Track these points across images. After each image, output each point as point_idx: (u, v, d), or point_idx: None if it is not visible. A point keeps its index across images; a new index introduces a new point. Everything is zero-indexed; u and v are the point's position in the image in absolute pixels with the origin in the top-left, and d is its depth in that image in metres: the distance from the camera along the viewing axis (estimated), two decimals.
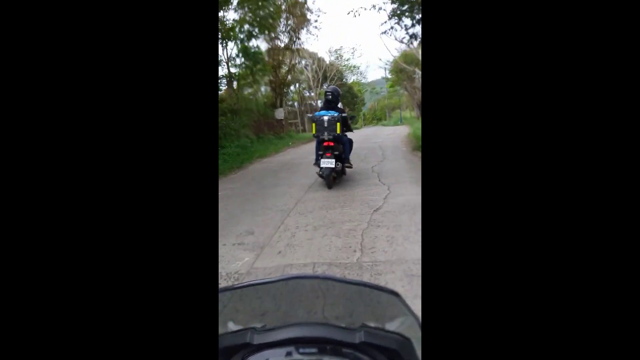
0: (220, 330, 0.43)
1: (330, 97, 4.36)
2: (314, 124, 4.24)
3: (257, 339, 0.40)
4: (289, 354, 0.39)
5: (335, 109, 4.30)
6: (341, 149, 4.29)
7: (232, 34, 9.56)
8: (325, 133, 4.14)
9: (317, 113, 4.32)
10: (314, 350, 0.39)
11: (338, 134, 4.14)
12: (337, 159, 4.18)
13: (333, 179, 4.23)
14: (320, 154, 4.20)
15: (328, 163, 4.10)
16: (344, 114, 4.30)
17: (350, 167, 4.60)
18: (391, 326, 0.50)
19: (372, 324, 0.47)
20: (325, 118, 4.14)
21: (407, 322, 0.48)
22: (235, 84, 10.77)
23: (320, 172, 4.25)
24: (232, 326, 0.48)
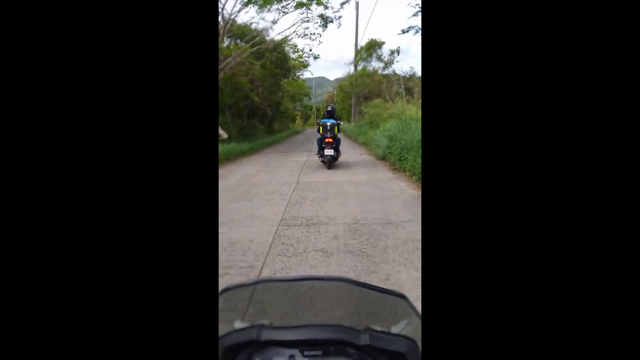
0: (228, 329, 0.43)
1: (330, 109, 6.95)
2: (320, 127, 6.71)
3: (265, 336, 0.39)
4: (292, 356, 0.39)
5: (333, 118, 6.82)
6: (336, 143, 6.69)
7: None
8: (328, 133, 6.57)
9: (322, 120, 6.84)
10: (318, 352, 0.39)
11: (335, 134, 6.61)
12: (335, 149, 6.61)
13: (330, 163, 6.65)
14: (323, 147, 6.62)
15: (330, 152, 6.51)
16: (339, 122, 6.91)
17: (340, 154, 6.95)
18: (396, 328, 0.50)
19: (377, 327, 0.46)
20: (329, 123, 6.63)
21: (413, 324, 0.48)
22: None
23: (323, 159, 6.72)
24: (238, 324, 0.48)
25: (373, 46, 19.12)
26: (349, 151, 9.31)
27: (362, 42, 21.35)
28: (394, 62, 18.35)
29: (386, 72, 18.98)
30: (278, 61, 14.07)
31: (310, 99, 33.66)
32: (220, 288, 0.50)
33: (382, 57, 19.22)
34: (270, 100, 16.40)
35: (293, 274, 2.04)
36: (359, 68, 19.43)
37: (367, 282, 0.60)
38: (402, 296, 0.53)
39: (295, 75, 20.01)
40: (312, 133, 22.93)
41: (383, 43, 19.05)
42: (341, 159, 7.06)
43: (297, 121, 35.27)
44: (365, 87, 18.53)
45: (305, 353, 0.39)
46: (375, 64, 19.22)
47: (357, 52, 19.07)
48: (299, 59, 15.31)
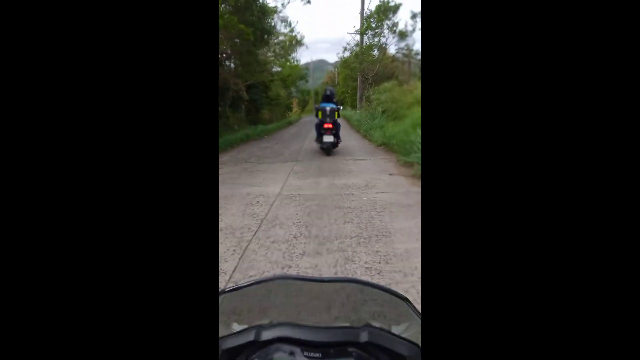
0: (225, 332, 0.43)
1: (329, 93, 6.74)
2: (319, 112, 6.54)
3: (264, 336, 0.40)
4: (292, 353, 0.39)
5: (332, 102, 6.63)
6: (336, 129, 6.55)
7: None
8: (328, 118, 6.40)
9: (321, 104, 6.65)
10: (318, 355, 0.39)
11: (335, 119, 6.46)
12: (334, 135, 6.53)
13: (330, 150, 6.59)
14: (322, 133, 6.50)
15: (329, 138, 6.46)
16: (339, 106, 6.73)
17: (340, 141, 6.83)
18: (397, 329, 0.49)
19: (376, 324, 0.46)
20: (328, 108, 6.44)
21: (414, 328, 0.47)
22: None
23: (322, 146, 6.62)
24: (236, 327, 0.48)
25: (384, 11, 14.79)
26: (364, 160, 6.07)
27: (371, 6, 17.18)
28: (415, 30, 14.14)
29: (402, 45, 14.89)
30: (247, 11, 9.56)
31: (306, 81, 29.23)
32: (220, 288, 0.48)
33: (395, 28, 15.01)
34: (250, 79, 12.11)
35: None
36: (365, 44, 15.27)
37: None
38: (404, 298, 0.53)
39: (287, 54, 15.81)
40: (307, 122, 18.91)
41: (399, 6, 14.73)
42: (355, 180, 4.84)
43: (295, 109, 30.86)
44: (374, 63, 14.45)
45: (305, 354, 0.39)
46: (387, 37, 15.04)
47: (365, 18, 14.86)
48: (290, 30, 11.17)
